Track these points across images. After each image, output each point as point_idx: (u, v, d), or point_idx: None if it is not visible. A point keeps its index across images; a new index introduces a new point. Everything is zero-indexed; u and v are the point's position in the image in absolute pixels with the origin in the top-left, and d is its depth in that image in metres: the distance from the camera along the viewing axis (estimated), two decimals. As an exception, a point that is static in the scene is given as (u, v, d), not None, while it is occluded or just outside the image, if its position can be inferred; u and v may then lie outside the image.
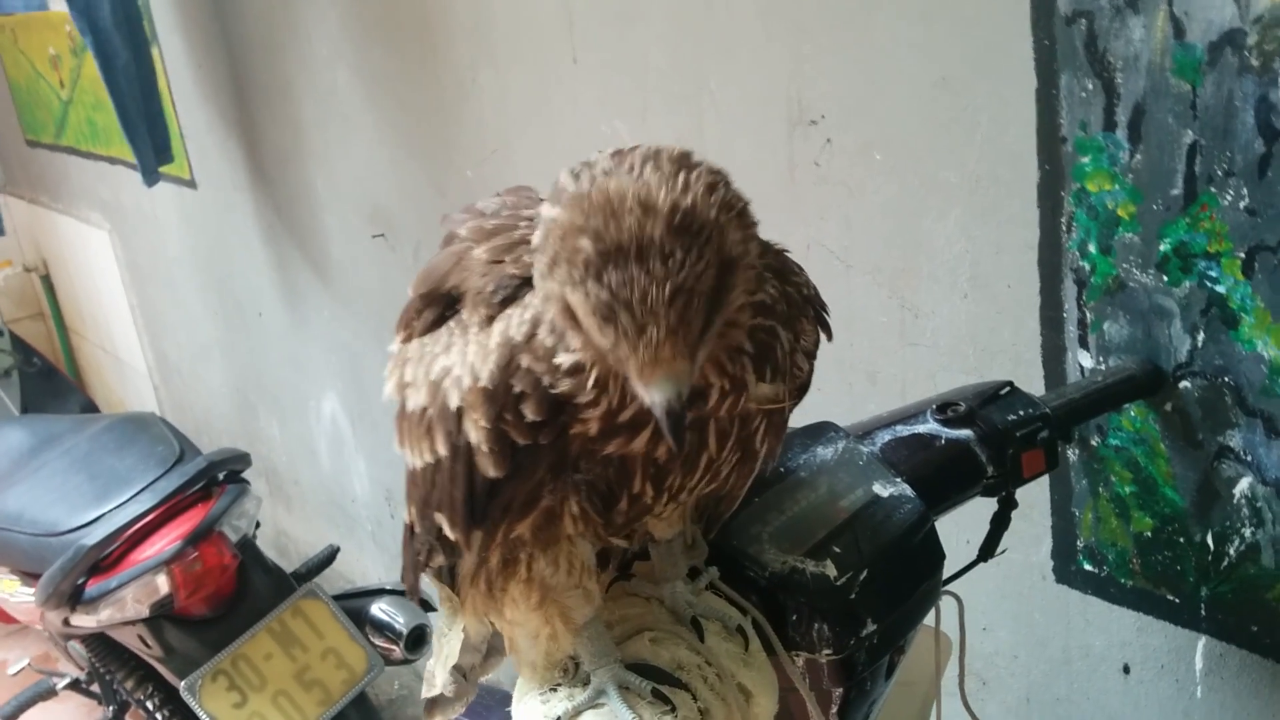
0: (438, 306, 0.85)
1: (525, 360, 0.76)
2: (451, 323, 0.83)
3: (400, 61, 2.37)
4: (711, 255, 0.67)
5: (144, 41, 3.01)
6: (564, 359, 0.75)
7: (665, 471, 0.82)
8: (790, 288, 0.85)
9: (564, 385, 0.75)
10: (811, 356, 0.89)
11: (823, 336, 0.90)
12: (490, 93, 2.15)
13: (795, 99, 1.57)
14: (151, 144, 3.05)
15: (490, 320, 0.79)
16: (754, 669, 0.93)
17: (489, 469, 0.78)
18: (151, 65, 3.05)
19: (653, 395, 0.68)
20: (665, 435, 0.69)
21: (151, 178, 3.13)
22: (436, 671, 1.06)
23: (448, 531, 0.85)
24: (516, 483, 0.80)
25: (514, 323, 0.77)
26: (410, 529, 0.92)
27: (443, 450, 0.81)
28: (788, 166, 1.62)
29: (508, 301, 0.79)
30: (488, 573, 0.88)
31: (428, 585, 0.98)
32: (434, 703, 1.08)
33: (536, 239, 0.71)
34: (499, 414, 0.77)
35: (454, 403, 0.79)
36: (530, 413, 0.76)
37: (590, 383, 0.75)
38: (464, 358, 0.79)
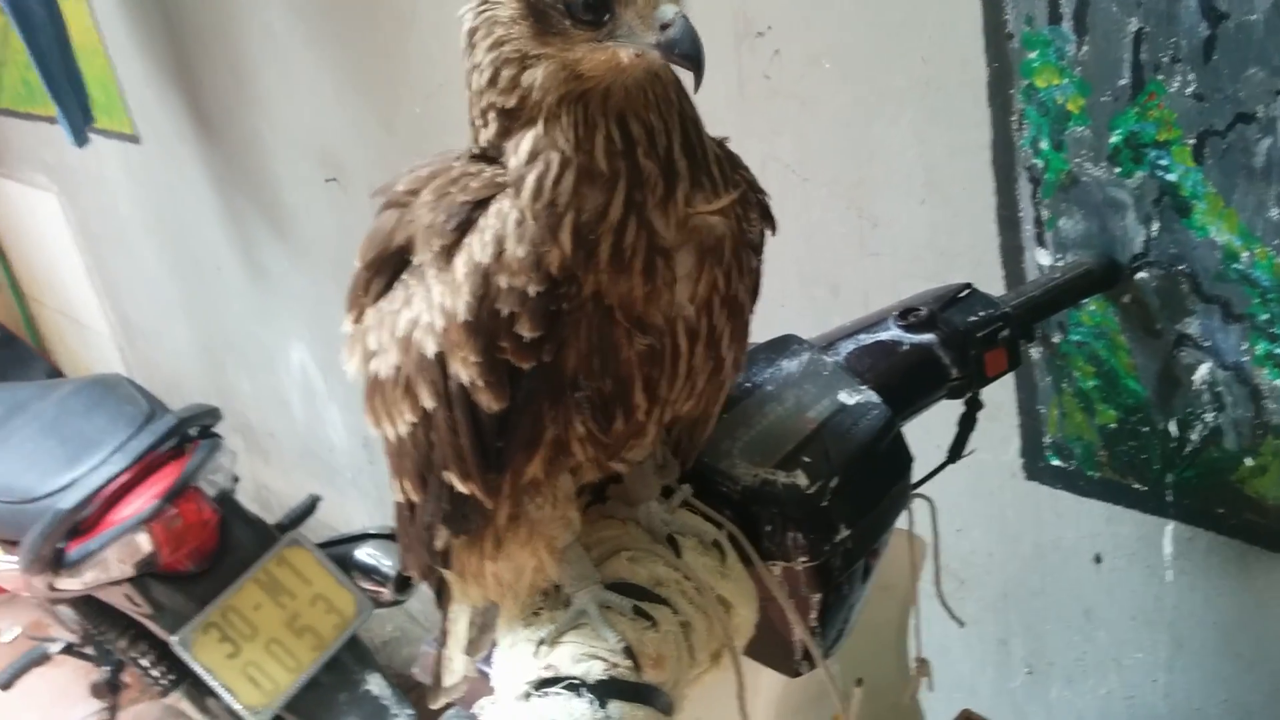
0: (388, 271, 0.82)
1: (503, 280, 0.74)
2: (405, 275, 0.80)
3: (338, -2, 2.32)
4: None
5: (52, -5, 2.88)
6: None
7: (657, 376, 0.81)
8: (737, 176, 0.83)
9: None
10: (759, 250, 0.87)
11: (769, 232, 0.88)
12: (432, 24, 2.10)
13: (740, 10, 1.55)
14: (77, 103, 2.95)
15: (448, 254, 0.77)
16: (732, 580, 0.95)
17: (490, 403, 0.76)
18: (63, 21, 2.93)
19: (662, 13, 0.70)
20: (685, 49, 0.70)
21: (80, 137, 3.02)
22: (454, 655, 1.04)
23: (460, 486, 0.81)
24: (524, 413, 0.78)
25: (476, 248, 0.75)
26: (409, 507, 0.89)
27: (430, 403, 0.78)
28: (737, 81, 1.60)
29: (462, 229, 0.76)
30: (495, 532, 0.86)
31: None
32: (437, 684, 1.06)
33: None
34: (490, 344, 0.75)
35: (430, 350, 0.77)
36: (527, 330, 0.74)
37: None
38: (430, 302, 0.77)
